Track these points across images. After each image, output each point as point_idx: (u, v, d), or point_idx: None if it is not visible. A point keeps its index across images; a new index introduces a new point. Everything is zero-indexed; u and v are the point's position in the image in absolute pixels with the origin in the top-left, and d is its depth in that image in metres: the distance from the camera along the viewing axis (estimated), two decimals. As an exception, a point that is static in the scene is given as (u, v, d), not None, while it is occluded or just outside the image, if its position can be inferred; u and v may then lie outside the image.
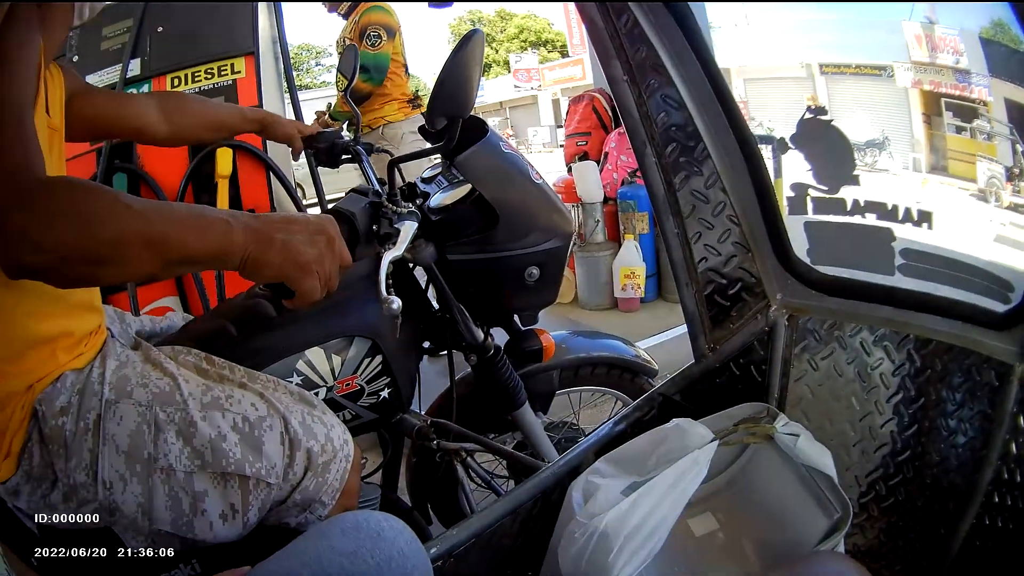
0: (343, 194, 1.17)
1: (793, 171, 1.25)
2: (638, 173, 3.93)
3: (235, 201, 2.38)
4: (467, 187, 1.24)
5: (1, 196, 0.71)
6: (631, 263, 3.89)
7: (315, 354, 1.18)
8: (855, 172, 1.26)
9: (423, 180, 1.36)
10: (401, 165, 1.22)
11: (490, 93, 31.14)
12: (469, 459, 1.30)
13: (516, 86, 26.67)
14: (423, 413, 1.38)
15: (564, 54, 28.85)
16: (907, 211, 1.27)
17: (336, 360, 1.19)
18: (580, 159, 4.26)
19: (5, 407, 0.91)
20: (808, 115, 1.26)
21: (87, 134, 1.26)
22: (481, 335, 1.27)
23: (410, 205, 1.16)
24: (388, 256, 1.01)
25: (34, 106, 0.91)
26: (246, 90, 2.43)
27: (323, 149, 1.40)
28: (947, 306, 1.29)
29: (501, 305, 1.27)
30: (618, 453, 1.20)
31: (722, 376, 1.27)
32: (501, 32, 35.61)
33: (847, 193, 1.26)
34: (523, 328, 1.30)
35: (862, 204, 1.26)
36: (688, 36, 1.21)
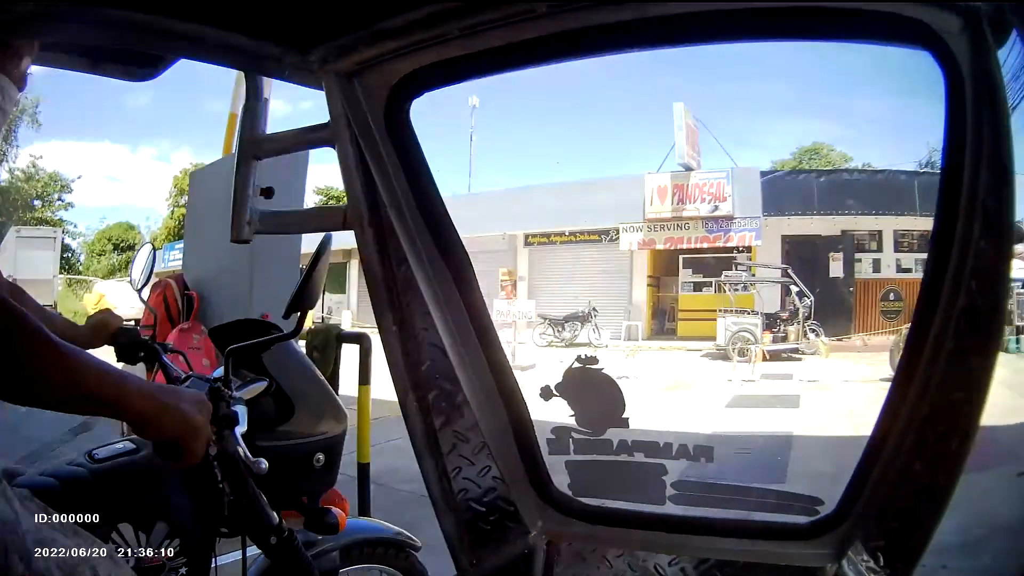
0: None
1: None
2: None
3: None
4: (264, 384, 1.39)
5: None
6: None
7: (125, 528, 1.38)
8: (624, 416, 1.29)
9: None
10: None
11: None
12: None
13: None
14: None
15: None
16: (683, 447, 1.29)
17: (142, 536, 1.39)
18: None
19: None
20: (576, 364, 1.29)
21: None
22: (277, 518, 1.44)
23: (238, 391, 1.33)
24: (239, 431, 1.19)
25: None
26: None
27: (125, 345, 1.54)
28: (743, 527, 1.36)
29: (296, 488, 1.41)
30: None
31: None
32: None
33: (613, 434, 1.30)
34: (312, 507, 1.46)
35: (630, 443, 1.30)
36: (457, 281, 1.27)
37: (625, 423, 1.29)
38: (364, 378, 2.79)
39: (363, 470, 2.79)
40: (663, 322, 15.70)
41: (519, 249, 16.17)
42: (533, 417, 1.36)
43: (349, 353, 2.96)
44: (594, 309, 13.60)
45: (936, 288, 1.15)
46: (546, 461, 1.33)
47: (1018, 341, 11.40)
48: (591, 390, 1.29)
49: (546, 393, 1.29)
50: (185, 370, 1.47)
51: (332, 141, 1.30)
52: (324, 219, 1.34)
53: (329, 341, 2.96)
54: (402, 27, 1.22)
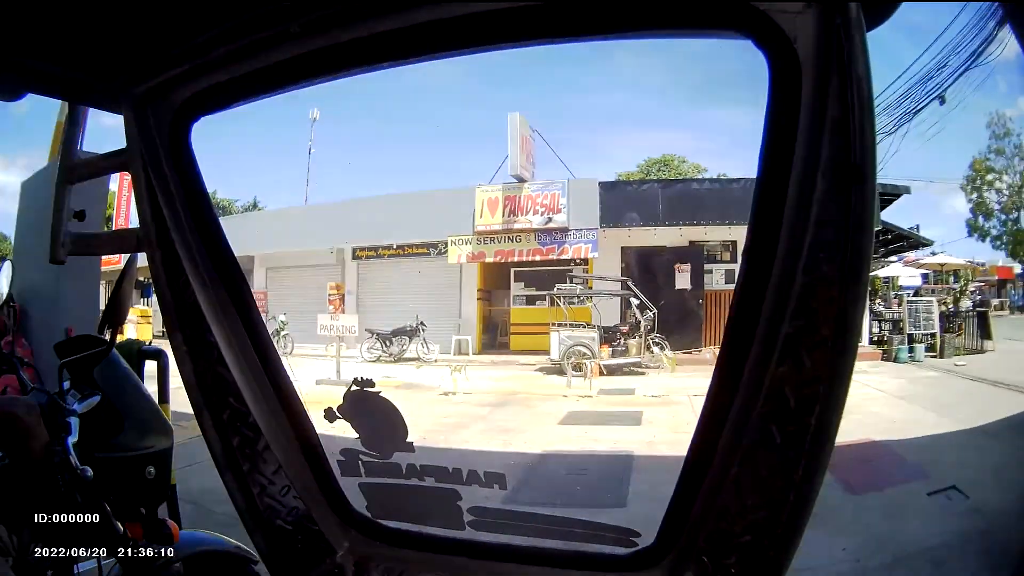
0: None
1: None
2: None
3: None
4: (97, 398, 1.47)
5: None
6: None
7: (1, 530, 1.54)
8: (408, 440, 1.22)
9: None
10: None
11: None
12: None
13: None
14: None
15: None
16: (473, 473, 1.21)
17: (14, 539, 1.54)
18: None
19: None
20: (354, 387, 1.23)
21: None
22: (122, 528, 1.52)
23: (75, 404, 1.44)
24: (71, 440, 1.32)
25: None
26: None
27: None
28: (556, 556, 1.29)
29: (133, 499, 1.49)
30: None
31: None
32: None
33: (401, 458, 1.23)
34: (150, 518, 1.52)
35: (419, 468, 1.23)
36: (236, 303, 1.27)
37: (410, 447, 1.22)
38: (162, 396, 2.66)
39: (171, 491, 2.61)
40: (495, 336, 15.11)
41: (347, 263, 15.86)
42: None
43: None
44: (422, 323, 13.11)
45: (751, 310, 0.98)
46: (343, 482, 1.29)
47: (911, 350, 10.41)
48: (371, 414, 1.23)
49: (330, 415, 1.25)
50: (35, 381, 1.59)
51: (127, 166, 1.33)
52: (123, 242, 1.38)
53: (131, 356, 2.93)
54: (183, 52, 1.23)
